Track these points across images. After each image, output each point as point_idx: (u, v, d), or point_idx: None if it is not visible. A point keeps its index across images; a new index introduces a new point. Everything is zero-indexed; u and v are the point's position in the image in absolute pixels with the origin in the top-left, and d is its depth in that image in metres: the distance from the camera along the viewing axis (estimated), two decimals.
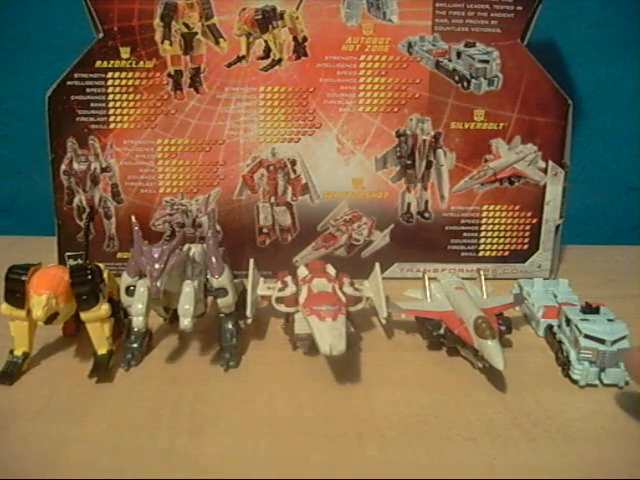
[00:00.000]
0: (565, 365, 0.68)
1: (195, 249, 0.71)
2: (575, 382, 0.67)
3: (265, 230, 0.94)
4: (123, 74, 0.88)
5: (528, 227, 0.95)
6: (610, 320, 0.67)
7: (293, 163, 0.91)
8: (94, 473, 0.54)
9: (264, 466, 0.55)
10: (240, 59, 0.88)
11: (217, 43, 0.87)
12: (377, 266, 0.79)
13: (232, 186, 0.92)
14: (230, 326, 0.73)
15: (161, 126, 0.90)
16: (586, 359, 0.66)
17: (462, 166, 0.92)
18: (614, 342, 0.65)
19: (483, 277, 0.79)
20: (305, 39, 0.87)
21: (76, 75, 0.87)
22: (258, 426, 0.60)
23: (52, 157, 0.90)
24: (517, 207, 0.94)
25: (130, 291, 0.68)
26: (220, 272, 0.70)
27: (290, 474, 0.54)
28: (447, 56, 0.88)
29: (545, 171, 0.92)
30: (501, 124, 0.91)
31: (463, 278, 0.82)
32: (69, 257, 0.91)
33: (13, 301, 0.66)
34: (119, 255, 0.93)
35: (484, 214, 0.94)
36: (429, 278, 0.80)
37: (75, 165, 0.90)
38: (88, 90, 0.88)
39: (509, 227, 0.95)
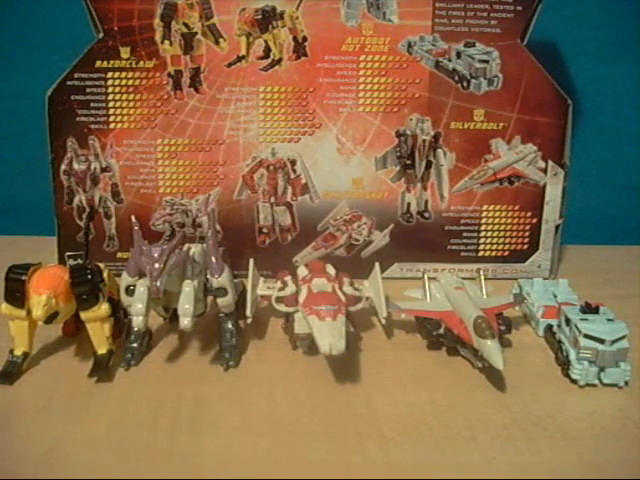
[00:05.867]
0: (565, 365, 0.68)
1: (195, 249, 0.71)
2: (575, 382, 0.67)
3: (265, 230, 0.94)
4: (123, 74, 0.88)
5: (528, 227, 0.95)
6: (609, 320, 0.67)
7: (293, 163, 0.91)
8: (94, 473, 0.54)
9: (264, 466, 0.55)
10: (240, 59, 0.88)
11: (217, 43, 0.87)
12: (377, 266, 0.79)
13: (232, 186, 0.92)
14: (230, 326, 0.73)
15: (161, 126, 0.90)
16: (586, 359, 0.66)
17: (462, 166, 0.92)
18: (613, 342, 0.65)
19: (483, 277, 0.79)
20: (305, 39, 0.87)
21: (76, 75, 0.87)
22: (258, 426, 0.60)
23: (52, 157, 0.90)
24: (517, 207, 0.94)
25: (130, 291, 0.68)
26: (220, 272, 0.71)
27: (290, 474, 0.54)
28: (447, 56, 0.88)
29: (545, 171, 0.92)
30: (501, 124, 0.91)
31: (463, 278, 0.82)
32: (69, 257, 0.91)
33: (13, 301, 0.66)
34: (119, 255, 0.93)
35: (484, 214, 0.94)
36: (429, 278, 0.80)
37: (75, 165, 0.90)
38: (88, 90, 0.88)
39: (509, 227, 0.95)
